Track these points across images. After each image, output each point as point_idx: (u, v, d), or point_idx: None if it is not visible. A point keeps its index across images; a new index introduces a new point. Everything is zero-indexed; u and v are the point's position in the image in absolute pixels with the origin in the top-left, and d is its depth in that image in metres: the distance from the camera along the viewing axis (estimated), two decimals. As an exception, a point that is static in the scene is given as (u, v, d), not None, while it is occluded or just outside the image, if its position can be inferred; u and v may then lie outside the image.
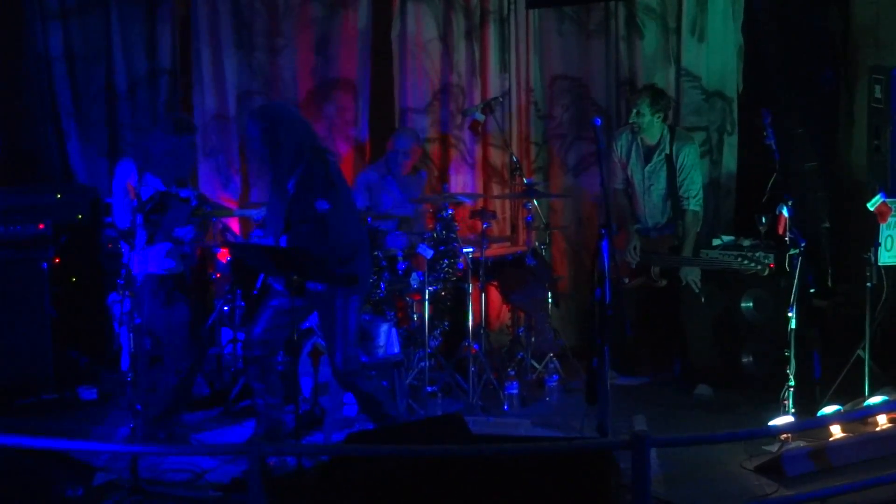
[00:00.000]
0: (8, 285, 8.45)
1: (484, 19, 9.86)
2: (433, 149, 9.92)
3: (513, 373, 8.63)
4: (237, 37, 9.68)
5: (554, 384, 8.77)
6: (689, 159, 8.79)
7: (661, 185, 8.84)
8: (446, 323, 8.90)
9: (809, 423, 7.41)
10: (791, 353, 7.44)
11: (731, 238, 8.88)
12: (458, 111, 9.87)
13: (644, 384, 9.03)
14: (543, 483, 6.16)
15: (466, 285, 8.73)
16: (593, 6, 9.86)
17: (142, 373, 7.11)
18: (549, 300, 9.19)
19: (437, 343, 8.77)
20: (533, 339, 9.11)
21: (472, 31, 9.87)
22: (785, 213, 7.55)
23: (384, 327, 8.26)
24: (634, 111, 8.80)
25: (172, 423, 7.65)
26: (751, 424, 7.73)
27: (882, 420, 7.52)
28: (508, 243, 9.67)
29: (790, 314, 7.45)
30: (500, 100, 9.69)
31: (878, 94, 8.61)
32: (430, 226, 8.86)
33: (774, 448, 7.19)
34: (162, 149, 7.47)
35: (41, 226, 8.60)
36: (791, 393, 7.43)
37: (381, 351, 8.21)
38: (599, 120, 7.09)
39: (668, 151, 8.80)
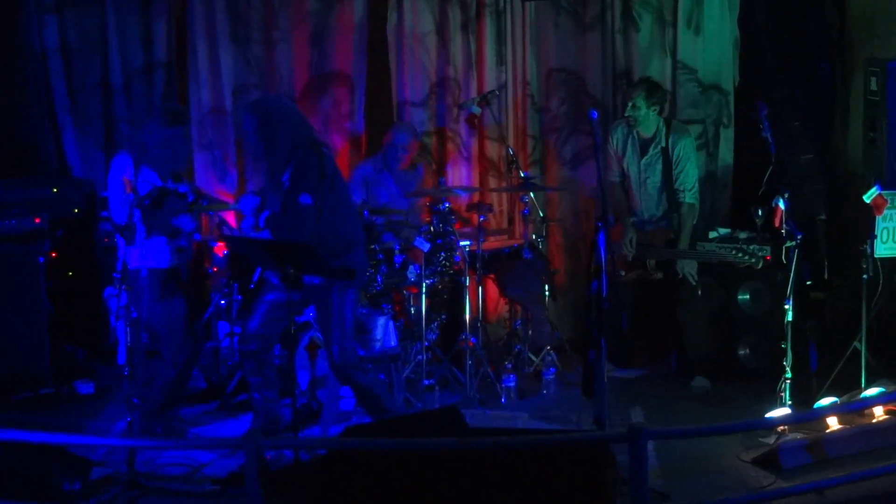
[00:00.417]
0: (4, 279, 8.45)
1: (480, 12, 9.84)
2: (430, 142, 9.92)
3: (510, 366, 8.64)
4: (233, 30, 9.68)
5: (551, 377, 8.77)
6: (685, 152, 8.79)
7: (656, 177, 8.84)
8: (443, 316, 8.90)
9: (806, 416, 7.43)
10: (788, 346, 7.45)
11: (728, 231, 8.88)
12: (454, 104, 9.87)
13: (641, 377, 9.03)
14: (541, 476, 6.17)
15: (463, 278, 8.73)
16: (589, -1, 9.87)
17: (139, 367, 7.10)
18: (546, 293, 9.20)
19: (434, 336, 8.78)
20: (530, 332, 9.12)
21: (469, 24, 9.86)
22: (781, 205, 7.55)
23: (381, 321, 8.25)
24: (630, 104, 8.80)
25: (169, 417, 7.65)
26: (748, 417, 7.75)
27: (878, 412, 7.52)
28: (505, 236, 9.67)
29: (787, 306, 7.47)
30: (497, 93, 9.69)
31: (873, 87, 8.60)
32: (427, 219, 8.85)
33: (771, 440, 7.20)
34: (158, 141, 7.46)
35: (37, 220, 8.59)
36: (788, 385, 7.44)
37: (378, 344, 8.20)
38: (596, 113, 7.11)
39: (664, 144, 8.79)
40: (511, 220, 9.99)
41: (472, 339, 8.64)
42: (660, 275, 8.77)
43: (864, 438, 7.18)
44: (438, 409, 7.98)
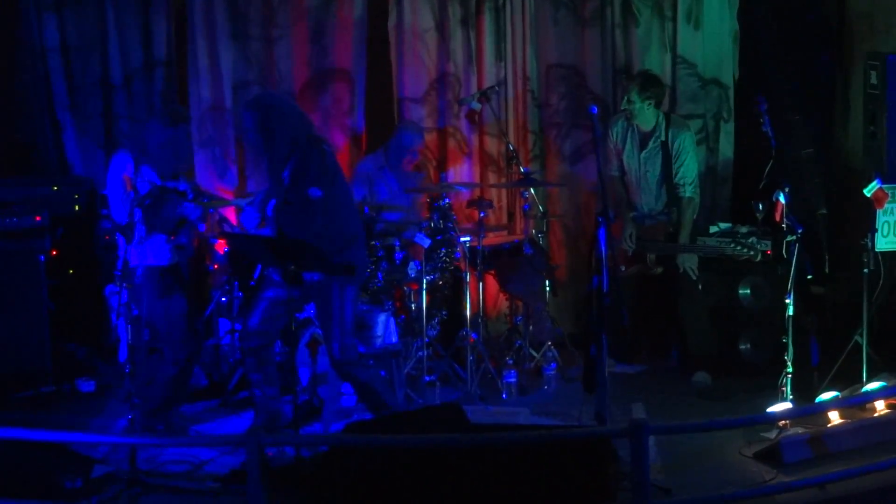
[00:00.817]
0: (5, 278, 8.45)
1: (479, 8, 9.84)
2: (430, 138, 9.91)
3: (511, 361, 8.63)
4: (233, 27, 9.68)
5: (552, 372, 8.77)
6: (685, 146, 8.79)
7: (656, 171, 8.84)
8: (444, 312, 8.91)
9: (807, 410, 7.42)
10: (789, 340, 7.45)
11: (728, 225, 8.88)
12: (454, 100, 9.86)
13: (642, 372, 9.03)
14: (542, 471, 6.18)
15: (464, 274, 8.73)
16: (589, -6, 9.86)
17: (140, 364, 7.11)
18: (547, 289, 9.20)
19: (434, 332, 8.78)
20: (531, 328, 9.12)
21: (468, 20, 9.85)
22: (781, 199, 7.54)
23: (382, 317, 8.26)
24: (626, 98, 8.82)
25: (171, 415, 7.66)
26: (749, 411, 7.75)
27: (880, 406, 7.53)
28: (506, 232, 9.67)
29: (787, 301, 7.46)
30: (497, 89, 9.69)
31: (873, 80, 8.60)
32: (427, 215, 8.85)
33: (772, 435, 7.20)
34: (158, 140, 7.46)
35: (38, 218, 8.59)
36: (789, 379, 7.44)
37: (378, 341, 8.21)
38: (595, 108, 7.11)
39: (663, 138, 8.79)
40: (511, 216, 9.99)
41: (472, 335, 8.64)
42: (660, 270, 8.77)
43: (865, 433, 7.17)
44: (439, 405, 7.98)
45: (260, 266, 8.28)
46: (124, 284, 7.21)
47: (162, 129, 7.49)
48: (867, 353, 7.88)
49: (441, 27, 9.84)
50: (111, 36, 9.58)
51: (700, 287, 8.77)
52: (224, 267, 8.90)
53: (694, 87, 9.75)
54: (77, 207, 8.91)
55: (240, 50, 9.71)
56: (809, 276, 7.86)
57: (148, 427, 7.40)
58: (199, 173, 9.64)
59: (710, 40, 9.73)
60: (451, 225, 8.66)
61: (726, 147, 9.80)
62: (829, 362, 8.02)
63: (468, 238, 8.74)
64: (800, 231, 7.50)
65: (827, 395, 7.66)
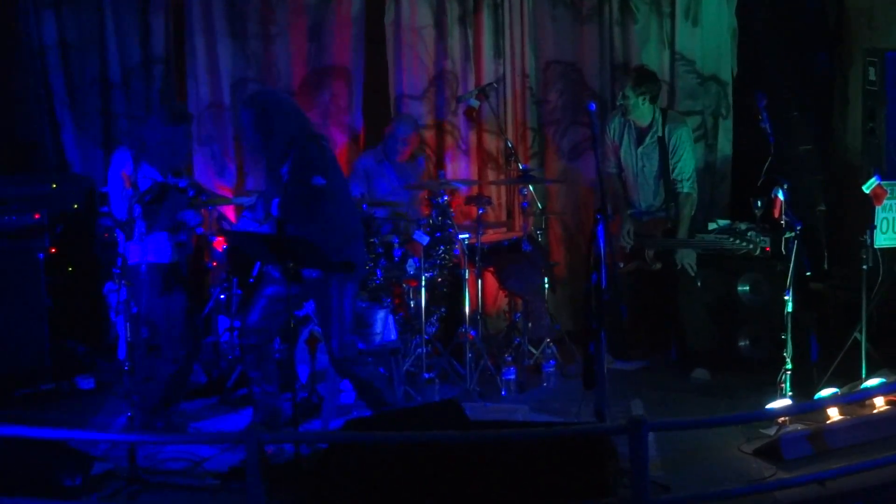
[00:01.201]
0: (4, 275, 8.44)
1: (477, 5, 9.83)
2: (428, 135, 9.91)
3: (510, 358, 8.63)
4: (231, 25, 9.67)
5: (551, 369, 8.77)
6: (682, 141, 8.80)
7: (653, 166, 8.84)
8: (443, 309, 8.90)
9: (807, 406, 7.42)
10: (788, 337, 7.45)
11: (727, 222, 8.88)
12: (452, 97, 9.86)
13: (641, 368, 9.03)
14: (541, 468, 6.18)
15: (463, 271, 8.73)
16: (587, -9, 9.86)
17: (139, 362, 7.11)
18: (546, 285, 9.20)
19: (433, 329, 8.77)
20: (530, 325, 9.11)
21: (466, 17, 9.84)
22: (780, 196, 7.55)
23: (381, 314, 8.26)
24: (621, 93, 8.83)
25: (170, 412, 7.66)
26: (748, 408, 7.75)
27: (879, 402, 7.52)
28: (504, 229, 9.67)
29: (787, 297, 7.47)
30: (495, 86, 9.68)
31: (872, 77, 8.60)
32: (426, 212, 8.85)
33: (772, 431, 7.20)
34: (158, 138, 7.46)
35: (37, 216, 8.59)
36: (788, 376, 7.44)
37: (377, 338, 8.21)
38: (594, 105, 7.10)
39: (660, 134, 8.80)
40: (510, 213, 9.99)
41: (471, 332, 8.64)
42: (658, 266, 8.78)
43: (865, 429, 7.18)
44: (438, 402, 7.98)
45: (259, 263, 8.28)
46: (123, 282, 7.21)
47: (162, 127, 7.50)
48: (866, 350, 7.88)
49: (439, 24, 9.83)
50: (109, 33, 9.57)
51: (699, 283, 8.77)
52: (223, 264, 8.90)
53: (692, 84, 9.75)
54: (76, 205, 8.90)
55: (238, 47, 9.71)
56: (808, 273, 7.87)
57: (147, 424, 7.40)
58: (197, 171, 9.64)
59: (709, 37, 9.73)
60: (449, 222, 8.66)
61: (725, 144, 9.81)
62: (828, 359, 8.03)
63: (467, 235, 8.74)
64: (799, 228, 7.51)
65: (826, 392, 7.66)
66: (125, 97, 9.65)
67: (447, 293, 8.99)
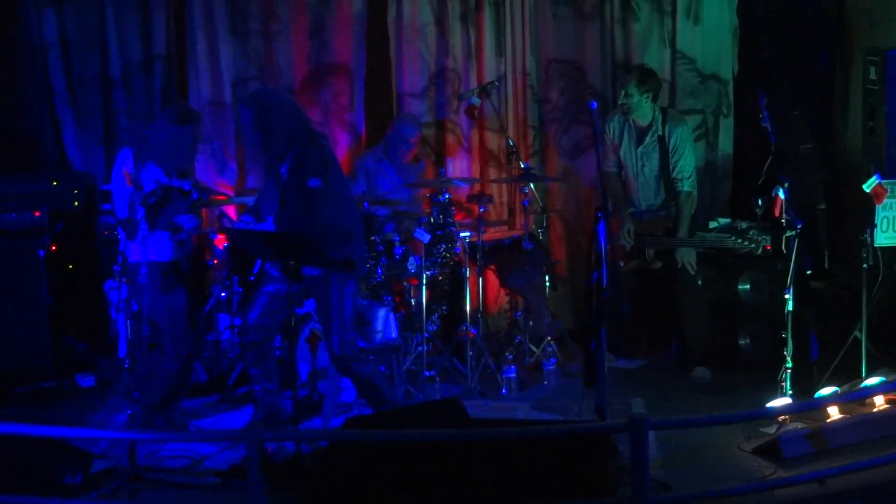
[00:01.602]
0: (4, 273, 8.45)
1: (479, 3, 9.83)
2: (430, 133, 9.91)
3: (511, 357, 8.64)
4: (232, 22, 9.67)
5: (552, 368, 8.77)
6: (682, 140, 8.78)
7: (653, 165, 8.84)
8: (444, 307, 8.90)
9: (807, 405, 7.42)
10: (788, 335, 7.46)
11: (728, 220, 8.88)
12: (454, 95, 9.86)
13: (641, 367, 9.04)
14: (542, 466, 6.18)
15: (464, 269, 8.73)
16: (588, -11, 9.86)
17: (140, 360, 7.11)
18: (547, 284, 9.20)
19: (434, 328, 8.77)
20: (531, 323, 9.12)
21: (468, 15, 9.85)
22: (781, 194, 7.55)
23: (382, 312, 8.26)
24: (623, 92, 8.82)
25: (171, 410, 7.66)
26: (748, 406, 7.75)
27: (879, 401, 7.52)
28: (506, 227, 9.67)
29: (787, 296, 7.47)
30: (496, 84, 9.68)
31: (873, 76, 8.60)
32: (427, 210, 8.85)
33: (772, 430, 7.21)
34: (163, 138, 7.47)
35: (37, 213, 8.59)
36: (788, 374, 7.45)
37: (378, 336, 8.21)
38: (595, 103, 7.11)
39: (660, 133, 8.79)
40: (511, 211, 9.98)
41: (472, 330, 8.65)
42: (659, 265, 8.77)
43: (865, 428, 7.18)
44: (439, 400, 7.99)
45: (259, 261, 8.28)
46: (124, 280, 7.21)
47: (168, 127, 7.50)
48: (866, 349, 7.88)
49: (440, 22, 9.83)
50: (110, 30, 9.57)
51: (699, 282, 8.78)
52: (224, 262, 8.90)
53: (693, 83, 9.75)
54: (77, 203, 8.89)
55: (239, 45, 9.71)
56: (809, 272, 7.87)
57: (148, 422, 7.41)
58: (198, 169, 9.63)
59: (710, 35, 9.73)
60: (451, 220, 8.66)
61: (726, 142, 9.81)
62: (828, 357, 8.03)
63: (468, 233, 8.74)
64: (799, 226, 7.51)
65: (826, 391, 7.66)
66: (126, 95, 9.65)
67: (448, 291, 8.99)
